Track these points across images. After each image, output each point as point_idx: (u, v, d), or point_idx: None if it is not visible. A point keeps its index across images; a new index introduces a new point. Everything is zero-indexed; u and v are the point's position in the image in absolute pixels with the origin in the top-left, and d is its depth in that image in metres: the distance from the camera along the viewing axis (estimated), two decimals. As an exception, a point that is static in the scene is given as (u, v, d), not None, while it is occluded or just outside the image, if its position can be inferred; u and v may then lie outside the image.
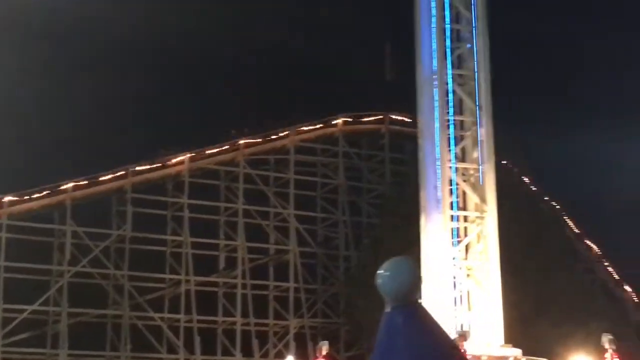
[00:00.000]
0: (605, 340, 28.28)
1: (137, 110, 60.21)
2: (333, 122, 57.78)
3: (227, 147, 54.51)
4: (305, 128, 56.94)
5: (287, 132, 56.07)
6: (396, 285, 6.16)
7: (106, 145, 56.97)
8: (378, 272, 6.23)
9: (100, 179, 51.35)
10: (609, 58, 64.86)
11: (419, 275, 6.27)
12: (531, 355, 34.26)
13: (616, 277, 56.26)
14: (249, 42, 64.47)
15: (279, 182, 56.18)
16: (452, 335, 31.30)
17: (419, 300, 6.23)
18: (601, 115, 64.17)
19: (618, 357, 27.64)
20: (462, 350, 28.25)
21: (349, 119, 58.33)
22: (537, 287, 46.26)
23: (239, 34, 64.41)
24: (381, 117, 58.82)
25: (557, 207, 57.93)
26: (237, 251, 54.01)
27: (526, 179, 57.69)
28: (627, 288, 55.81)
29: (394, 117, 58.39)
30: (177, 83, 63.44)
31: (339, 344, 53.73)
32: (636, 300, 55.56)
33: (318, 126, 57.40)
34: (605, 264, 56.35)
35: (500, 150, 43.58)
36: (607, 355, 27.58)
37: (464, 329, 32.22)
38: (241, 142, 54.55)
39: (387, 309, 6.15)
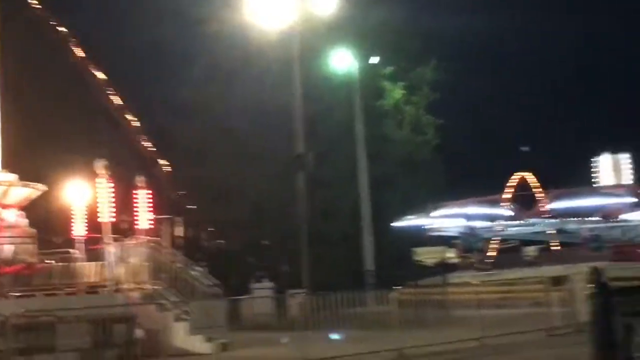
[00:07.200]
0: (100, 165, 29.37)
1: None
2: None
3: None
4: None
5: None
6: None
7: None
8: None
9: None
10: None
11: None
12: (29, 181, 34.32)
13: (119, 103, 57.57)
14: None
15: None
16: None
17: None
18: None
19: (112, 182, 29.03)
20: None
21: None
22: (41, 114, 46.16)
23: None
24: None
25: (64, 31, 57.07)
26: None
27: (33, 3, 56.14)
28: (129, 115, 57.58)
29: None
30: None
31: None
32: (137, 125, 57.52)
33: None
34: (109, 90, 57.29)
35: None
36: (102, 180, 28.84)
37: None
38: None
39: None
